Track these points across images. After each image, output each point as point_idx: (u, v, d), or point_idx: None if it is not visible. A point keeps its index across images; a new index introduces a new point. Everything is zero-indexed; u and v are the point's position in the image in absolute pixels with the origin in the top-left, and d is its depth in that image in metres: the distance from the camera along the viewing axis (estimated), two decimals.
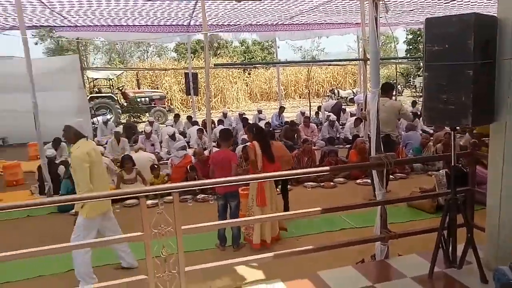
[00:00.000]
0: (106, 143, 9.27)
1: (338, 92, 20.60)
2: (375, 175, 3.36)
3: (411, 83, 23.99)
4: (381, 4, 3.31)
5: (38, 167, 6.53)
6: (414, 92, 21.76)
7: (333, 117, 10.56)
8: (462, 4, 9.74)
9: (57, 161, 7.01)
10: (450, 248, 2.76)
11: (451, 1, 9.05)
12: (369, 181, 6.32)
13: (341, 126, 10.46)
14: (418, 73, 23.75)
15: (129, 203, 5.76)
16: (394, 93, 6.54)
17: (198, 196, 5.99)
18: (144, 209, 2.44)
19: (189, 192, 5.94)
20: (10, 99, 10.41)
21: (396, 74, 18.11)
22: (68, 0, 7.72)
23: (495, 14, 2.61)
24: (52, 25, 10.90)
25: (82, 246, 2.39)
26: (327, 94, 22.36)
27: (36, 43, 26.16)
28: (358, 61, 12.82)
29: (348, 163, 6.83)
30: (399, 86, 20.99)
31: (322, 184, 6.45)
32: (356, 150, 6.90)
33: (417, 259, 3.08)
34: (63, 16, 9.49)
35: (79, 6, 8.34)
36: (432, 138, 7.97)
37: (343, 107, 13.28)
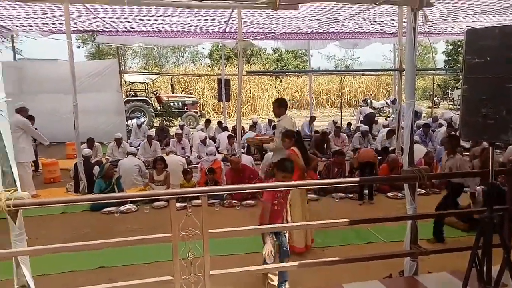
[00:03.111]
0: (139, 145, 9.56)
1: (371, 102, 20.21)
2: (406, 188, 3.27)
3: (449, 95, 23.18)
4: (421, 14, 3.25)
5: (74, 166, 6.81)
6: (452, 104, 20.99)
7: (364, 127, 10.37)
8: (506, 14, 9.35)
9: (92, 161, 7.30)
10: (485, 268, 2.63)
11: (493, 10, 8.68)
12: (399, 194, 6.17)
13: (372, 138, 10.26)
14: (457, 85, 22.93)
15: (158, 204, 5.89)
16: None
17: (225, 201, 6.04)
18: (173, 211, 2.50)
19: (216, 197, 6.00)
20: (52, 100, 10.96)
21: (433, 85, 17.53)
22: (111, 7, 8.09)
23: None
24: (94, 29, 11.44)
25: (108, 244, 2.47)
26: (360, 104, 22.00)
27: (78, 47, 27.43)
28: (393, 71, 12.59)
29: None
30: (435, 98, 20.32)
31: (350, 195, 6.32)
32: (388, 163, 6.71)
33: (448, 278, 2.95)
34: (105, 22, 9.94)
35: (121, 12, 8.72)
36: (468, 153, 7.64)
37: (376, 118, 12.99)
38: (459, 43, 21.65)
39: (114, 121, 11.71)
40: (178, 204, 5.27)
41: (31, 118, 6.87)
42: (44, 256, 3.69)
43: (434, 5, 3.44)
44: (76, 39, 25.31)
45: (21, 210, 2.20)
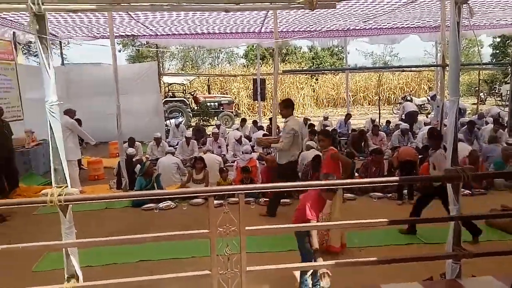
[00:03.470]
0: (177, 144, 9.83)
1: (412, 99, 19.48)
2: (449, 188, 3.14)
3: (496, 91, 21.90)
4: (465, 8, 3.10)
5: (118, 164, 7.12)
6: (499, 100, 19.82)
7: (404, 125, 10.04)
8: None
9: (133, 159, 7.60)
10: None
11: None
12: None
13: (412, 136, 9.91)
14: (505, 80, 21.61)
15: (195, 202, 6.05)
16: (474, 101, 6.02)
17: (260, 200, 6.08)
18: (211, 208, 2.55)
19: (252, 195, 6.06)
20: (96, 102, 11.51)
21: (479, 81, 16.63)
22: (151, 12, 8.38)
23: None
24: (135, 34, 11.90)
25: (148, 239, 2.57)
26: (399, 102, 21.33)
27: (119, 51, 28.63)
28: (435, 67, 12.09)
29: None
30: (482, 94, 19.28)
31: (389, 195, 6.16)
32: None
33: (494, 283, 2.80)
34: (145, 26, 10.32)
35: (160, 17, 9.01)
36: None
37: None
38: (508, 35, 20.35)
39: (153, 121, 12.11)
40: (215, 202, 5.41)
41: (78, 121, 7.27)
42: (90, 248, 3.91)
43: None
44: (117, 43, 26.60)
45: (71, 205, 2.35)
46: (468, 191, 6.09)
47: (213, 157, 7.37)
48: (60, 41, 12.01)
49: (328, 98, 24.84)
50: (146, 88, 12.16)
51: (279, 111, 5.57)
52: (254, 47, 16.54)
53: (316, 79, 25.04)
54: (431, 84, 22.54)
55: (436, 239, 4.26)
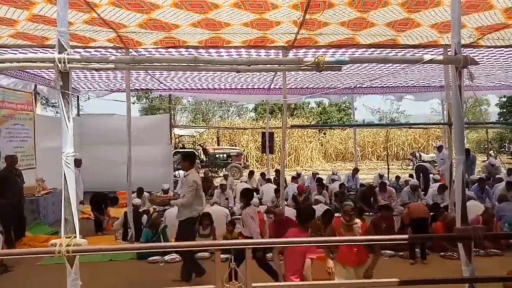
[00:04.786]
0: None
1: (420, 155, 19.51)
2: (461, 249, 3.07)
3: (506, 149, 21.85)
4: (466, 73, 3.24)
5: (124, 214, 7.10)
6: (510, 158, 19.70)
7: (414, 181, 9.97)
8: None
9: (140, 210, 7.58)
10: None
11: None
12: (455, 254, 5.72)
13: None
14: None
15: (201, 255, 5.91)
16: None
17: (267, 255, 5.91)
18: (218, 263, 2.53)
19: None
20: (108, 151, 11.74)
21: (487, 139, 16.69)
22: (170, 71, 8.84)
23: None
24: (150, 88, 12.44)
25: None
26: (408, 157, 21.32)
27: (133, 103, 29.71)
28: (442, 125, 12.23)
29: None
30: (491, 151, 19.23)
31: (400, 253, 5.97)
32: (445, 222, 6.31)
33: None
34: (159, 81, 10.82)
35: (174, 73, 9.47)
36: None
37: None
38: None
39: (162, 172, 12.23)
40: (222, 256, 5.29)
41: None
42: None
43: (478, 63, 3.42)
44: (132, 96, 27.69)
45: (78, 256, 2.35)
46: (483, 251, 5.88)
47: (220, 209, 7.32)
48: (78, 96, 12.58)
49: (337, 152, 24.97)
50: (158, 139, 12.42)
51: (181, 165, 5.51)
52: (264, 101, 17.11)
53: (324, 133, 25.39)
54: (439, 140, 22.63)
55: None
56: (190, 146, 17.77)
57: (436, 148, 12.76)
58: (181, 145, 17.68)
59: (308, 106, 29.89)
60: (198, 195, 5.19)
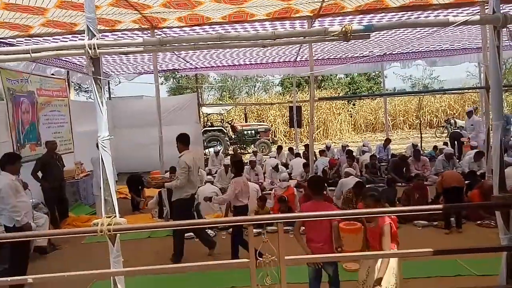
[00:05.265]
0: (215, 173, 10.01)
1: (455, 122, 18.76)
2: (498, 217, 2.99)
3: None
4: (505, 33, 3.05)
5: (158, 193, 7.36)
6: None
7: (448, 149, 9.66)
8: None
9: None
10: None
11: None
12: (493, 222, 5.57)
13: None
14: None
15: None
16: None
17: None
18: (251, 237, 2.60)
19: (290, 223, 6.00)
20: (139, 133, 12.08)
21: None
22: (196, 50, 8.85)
23: None
24: (176, 68, 12.56)
25: (190, 269, 2.64)
26: (442, 125, 20.56)
27: (161, 83, 30.13)
28: (479, 89, 11.66)
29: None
30: None
31: (435, 223, 5.88)
32: (481, 190, 6.12)
33: None
34: (185, 61, 10.89)
35: (200, 52, 9.48)
36: None
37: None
38: None
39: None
40: (254, 230, 5.42)
41: None
42: (135, 277, 4.04)
43: None
44: (160, 76, 28.08)
45: (119, 234, 2.48)
46: None
47: (251, 185, 7.40)
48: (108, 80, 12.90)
49: (367, 123, 24.45)
50: (187, 119, 12.61)
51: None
52: (290, 75, 16.85)
53: (353, 104, 24.84)
54: (476, 105, 21.61)
55: (488, 270, 3.99)
56: (218, 124, 17.96)
57: (466, 114, 12.23)
58: (209, 123, 17.90)
59: (336, 77, 29.16)
60: (191, 177, 5.16)
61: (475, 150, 8.82)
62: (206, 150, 14.06)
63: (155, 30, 6.63)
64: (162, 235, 6.26)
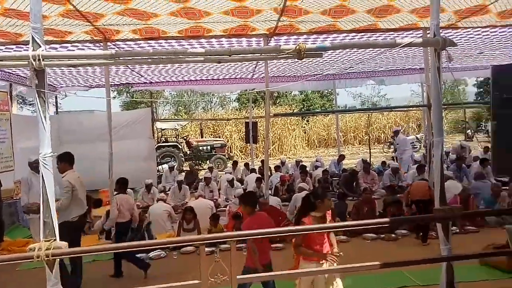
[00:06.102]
0: (169, 190, 9.76)
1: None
2: (439, 228, 3.17)
3: (483, 128, 22.46)
4: (444, 54, 3.29)
5: (106, 212, 7.00)
6: (486, 137, 20.27)
7: (394, 164, 10.16)
8: None
9: None
10: None
11: None
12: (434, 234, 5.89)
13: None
14: (490, 117, 22.26)
15: (186, 250, 5.93)
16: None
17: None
18: (203, 257, 2.54)
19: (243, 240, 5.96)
20: (89, 149, 11.53)
21: (465, 119, 17.15)
22: (150, 64, 8.68)
23: None
24: (130, 82, 12.22)
25: None
26: (389, 141, 21.67)
27: (114, 98, 29.13)
28: (422, 107, 12.47)
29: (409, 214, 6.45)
30: (468, 131, 19.78)
31: (382, 236, 6.12)
32: (406, 201, 6.49)
33: None
34: (140, 75, 10.64)
35: (155, 66, 9.31)
36: (506, 187, 7.26)
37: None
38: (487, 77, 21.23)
39: (145, 167, 12.09)
40: (206, 249, 5.30)
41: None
42: None
43: (457, 45, 3.47)
44: (112, 90, 27.11)
45: (57, 259, 2.31)
46: (461, 229, 6.07)
47: (204, 202, 7.32)
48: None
49: (320, 138, 25.18)
50: (140, 134, 12.26)
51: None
52: (247, 91, 17.06)
53: (307, 121, 25.52)
54: (419, 122, 23.07)
55: (431, 280, 4.20)
56: (173, 140, 17.63)
57: (393, 133, 13.13)
58: (164, 138, 17.53)
59: (291, 93, 29.88)
60: (76, 198, 4.85)
61: (417, 164, 9.40)
62: (160, 167, 13.70)
63: (108, 43, 6.43)
64: (109, 258, 5.91)
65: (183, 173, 13.41)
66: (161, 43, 6.73)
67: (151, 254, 5.83)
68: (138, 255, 5.76)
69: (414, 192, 6.39)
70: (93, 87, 12.01)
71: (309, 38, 6.75)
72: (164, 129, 18.07)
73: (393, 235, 6.13)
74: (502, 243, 4.81)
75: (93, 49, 6.86)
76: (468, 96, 29.49)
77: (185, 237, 4.39)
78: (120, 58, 2.81)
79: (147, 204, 8.45)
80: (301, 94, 29.73)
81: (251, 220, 3.86)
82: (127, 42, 6.63)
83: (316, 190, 3.85)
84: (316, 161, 12.27)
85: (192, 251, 5.85)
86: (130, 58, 2.89)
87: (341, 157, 12.30)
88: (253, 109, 21.47)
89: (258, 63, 9.69)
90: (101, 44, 6.41)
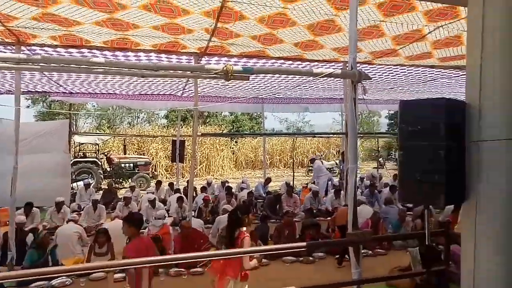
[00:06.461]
0: (82, 209, 9.00)
1: (322, 162, 20.92)
2: (351, 252, 3.31)
3: (393, 156, 24.70)
4: (360, 87, 3.53)
5: (3, 234, 6.17)
6: (395, 165, 22.33)
7: (315, 187, 10.60)
8: (435, 88, 10.47)
9: (26, 228, 6.71)
10: None
11: (427, 82, 9.68)
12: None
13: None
14: (398, 147, 24.65)
15: (96, 276, 5.40)
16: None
17: (171, 270, 5.69)
18: (111, 284, 2.32)
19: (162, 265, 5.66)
20: None
21: (378, 147, 18.79)
22: (66, 73, 8.04)
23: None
24: (47, 91, 11.21)
25: None
26: (311, 165, 22.73)
27: (28, 107, 26.52)
28: (341, 135, 13.32)
29: (329, 238, 6.73)
30: (380, 159, 21.59)
31: (301, 259, 6.26)
32: (332, 226, 6.83)
33: None
34: (58, 84, 9.81)
35: (76, 76, 8.64)
36: (411, 212, 7.99)
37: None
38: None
39: (58, 183, 11.02)
40: (118, 275, 4.93)
41: None
42: None
43: (371, 79, 3.78)
44: (26, 99, 24.62)
45: None
46: (371, 252, 6.47)
47: (121, 224, 6.81)
48: None
49: (247, 160, 25.49)
50: (54, 148, 11.20)
51: None
52: (175, 108, 16.71)
53: (236, 142, 25.75)
54: (338, 149, 24.61)
55: None
56: (92, 155, 16.47)
57: (309, 161, 14.05)
58: (82, 153, 16.29)
59: (221, 114, 30.04)
60: None
61: (334, 189, 9.96)
62: (75, 184, 12.62)
63: (22, 47, 5.85)
64: (6, 286, 5.20)
65: (101, 192, 12.50)
66: (84, 52, 6.31)
67: (54, 281, 5.20)
68: (37, 284, 5.14)
69: (339, 218, 6.68)
70: (2, 93, 10.79)
71: (239, 61, 6.88)
72: (84, 143, 16.83)
73: (311, 258, 6.31)
74: (406, 265, 5.22)
75: (3, 51, 6.20)
76: (381, 126, 32.44)
77: (91, 264, 3.92)
78: (30, 63, 2.54)
79: (55, 225, 7.65)
80: (231, 115, 30.06)
81: (132, 245, 3.66)
82: (45, 48, 6.11)
83: (241, 206, 3.80)
84: (242, 182, 12.32)
85: (103, 277, 5.35)
86: (37, 64, 2.62)
87: (268, 180, 12.52)
88: (182, 127, 21.07)
89: (189, 81, 9.58)
90: (13, 47, 5.82)
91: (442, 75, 8.56)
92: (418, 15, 4.58)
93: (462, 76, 8.44)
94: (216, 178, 18.60)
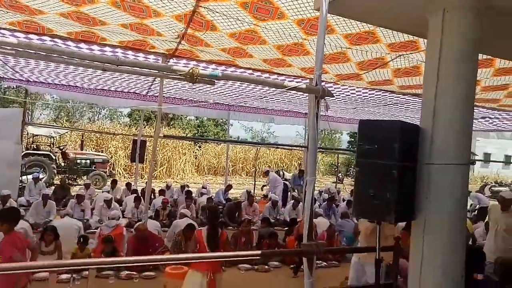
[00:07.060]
0: (30, 205, 8.53)
1: (283, 173, 21.20)
2: (305, 262, 3.37)
3: (351, 172, 25.50)
4: (322, 103, 3.65)
5: None
6: (353, 181, 23.05)
7: (274, 197, 10.71)
8: (395, 111, 10.99)
9: None
10: None
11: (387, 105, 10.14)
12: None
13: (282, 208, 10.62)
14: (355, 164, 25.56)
15: (40, 276, 5.10)
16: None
17: (121, 273, 5.51)
18: (52, 285, 2.22)
19: (112, 267, 5.47)
20: None
21: (337, 163, 19.32)
22: (23, 57, 7.63)
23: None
24: (1, 76, 10.59)
25: None
26: (266, 177, 22.98)
27: None
28: (303, 148, 13.62)
29: (285, 247, 6.82)
30: (339, 174, 22.22)
31: (256, 267, 6.29)
32: (296, 236, 6.91)
33: None
34: (15, 71, 9.30)
35: (35, 64, 8.23)
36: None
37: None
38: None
39: (5, 176, 10.39)
40: (64, 276, 4.70)
41: None
42: None
43: (334, 96, 3.92)
44: None
45: None
46: (325, 263, 6.63)
47: (71, 222, 6.55)
48: None
49: (209, 166, 25.30)
50: (4, 136, 10.56)
51: None
52: (138, 108, 16.29)
53: (199, 147, 25.50)
54: (300, 161, 25.05)
55: None
56: (46, 148, 15.67)
57: (264, 173, 14.34)
58: (35, 146, 15.46)
59: (186, 118, 29.67)
60: None
61: (293, 200, 10.14)
62: (24, 177, 11.93)
63: None
64: None
65: (53, 187, 11.91)
66: (45, 40, 6.04)
67: None
68: None
69: (301, 229, 6.78)
70: None
71: (208, 67, 6.87)
72: (37, 135, 15.99)
73: (266, 267, 6.35)
74: None
75: None
76: (342, 143, 33.41)
77: (29, 263, 3.64)
78: None
79: None
80: (196, 120, 29.78)
81: (5, 241, 3.61)
82: (2, 31, 5.79)
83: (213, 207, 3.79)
84: (203, 187, 12.21)
85: (47, 278, 5.08)
86: None
87: (229, 187, 12.49)
88: (145, 127, 20.59)
89: (155, 81, 9.41)
90: None
91: (401, 100, 9.03)
92: (382, 46, 4.81)
93: (419, 102, 8.95)
94: (176, 182, 18.28)
